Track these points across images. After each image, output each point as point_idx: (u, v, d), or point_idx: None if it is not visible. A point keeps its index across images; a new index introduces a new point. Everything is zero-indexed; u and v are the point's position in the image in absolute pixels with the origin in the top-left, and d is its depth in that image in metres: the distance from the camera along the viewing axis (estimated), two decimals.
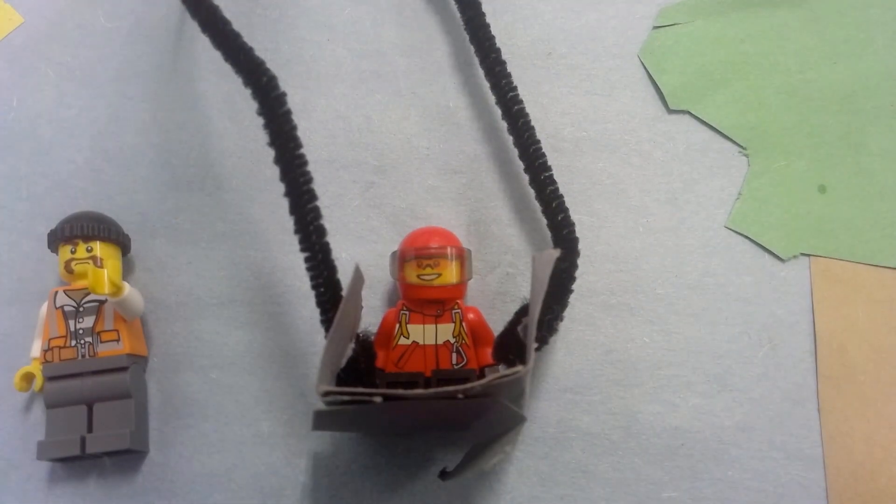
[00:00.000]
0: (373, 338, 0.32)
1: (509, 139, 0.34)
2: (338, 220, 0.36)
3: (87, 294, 0.33)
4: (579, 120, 0.37)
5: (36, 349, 0.33)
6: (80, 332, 0.32)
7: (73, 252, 0.33)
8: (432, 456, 0.32)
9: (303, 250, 0.29)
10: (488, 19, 0.35)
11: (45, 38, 0.39)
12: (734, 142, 0.36)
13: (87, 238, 0.33)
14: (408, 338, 0.31)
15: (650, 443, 0.32)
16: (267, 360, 0.34)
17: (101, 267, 0.32)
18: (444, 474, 0.29)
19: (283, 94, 0.29)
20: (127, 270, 0.35)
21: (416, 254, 0.31)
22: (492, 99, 0.34)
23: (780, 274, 0.34)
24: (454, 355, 0.31)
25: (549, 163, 0.33)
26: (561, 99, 0.37)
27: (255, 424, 0.33)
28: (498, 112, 0.34)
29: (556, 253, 0.29)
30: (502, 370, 0.31)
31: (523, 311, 0.31)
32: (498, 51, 0.34)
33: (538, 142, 0.33)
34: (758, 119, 0.36)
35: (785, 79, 0.37)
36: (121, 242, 0.34)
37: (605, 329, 0.34)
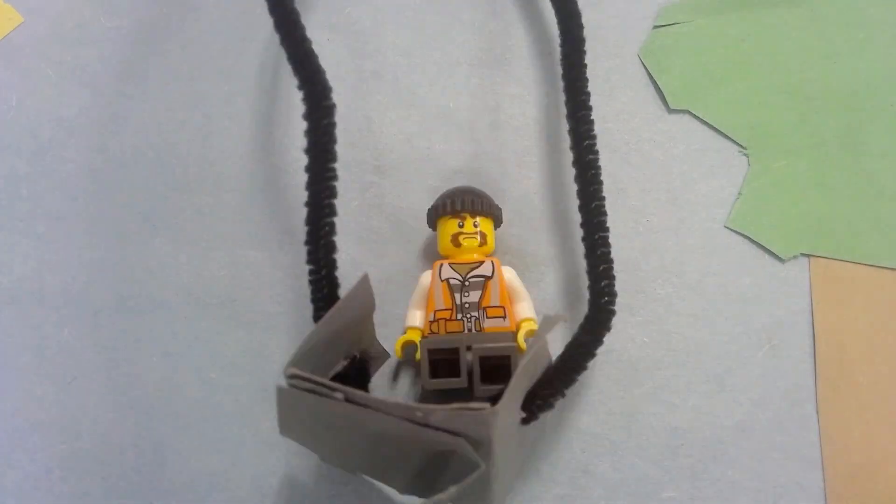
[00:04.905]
0: (370, 359, 0.31)
1: (509, 138, 0.34)
2: (337, 220, 0.35)
3: (473, 269, 0.33)
4: None
5: (413, 319, 0.33)
6: (466, 305, 0.32)
7: (460, 226, 0.33)
8: None
9: (309, 262, 0.29)
10: (488, 19, 0.35)
11: (45, 38, 0.39)
12: (734, 142, 0.36)
13: (475, 213, 0.33)
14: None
15: (650, 443, 0.32)
16: (267, 359, 0.34)
17: (485, 243, 0.33)
18: None
19: (333, 106, 0.29)
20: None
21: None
22: (492, 99, 0.34)
23: (779, 274, 0.34)
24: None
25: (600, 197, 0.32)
26: (561, 99, 0.37)
27: (254, 424, 0.33)
28: (497, 112, 0.34)
29: (563, 317, 0.29)
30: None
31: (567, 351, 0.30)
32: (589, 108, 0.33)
33: (603, 198, 0.32)
34: (758, 119, 0.36)
35: (785, 78, 0.37)
36: (497, 217, 0.34)
37: None
